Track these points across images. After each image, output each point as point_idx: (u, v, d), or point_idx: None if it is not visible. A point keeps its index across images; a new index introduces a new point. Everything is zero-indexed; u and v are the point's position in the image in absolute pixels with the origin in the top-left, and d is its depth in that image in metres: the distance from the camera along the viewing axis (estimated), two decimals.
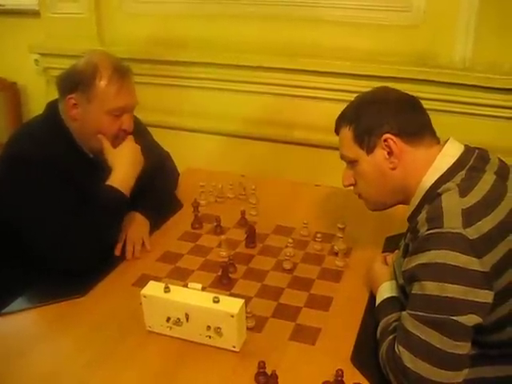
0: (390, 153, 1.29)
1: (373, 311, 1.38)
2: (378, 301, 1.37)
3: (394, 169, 1.30)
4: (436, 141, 1.32)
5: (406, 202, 1.35)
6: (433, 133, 1.33)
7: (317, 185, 2.11)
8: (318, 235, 1.66)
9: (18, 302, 1.46)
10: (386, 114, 1.29)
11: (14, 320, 1.41)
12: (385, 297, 1.35)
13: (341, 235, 1.62)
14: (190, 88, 2.94)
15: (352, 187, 1.44)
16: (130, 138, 1.69)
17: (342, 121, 1.38)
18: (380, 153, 1.30)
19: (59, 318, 1.40)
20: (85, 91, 1.59)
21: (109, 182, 1.61)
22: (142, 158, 1.69)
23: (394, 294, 1.35)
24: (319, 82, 2.62)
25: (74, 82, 1.60)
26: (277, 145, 2.81)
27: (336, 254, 1.61)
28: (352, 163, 1.38)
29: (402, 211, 1.67)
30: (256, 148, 2.84)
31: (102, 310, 1.43)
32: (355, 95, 1.42)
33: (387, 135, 1.28)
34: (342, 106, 2.46)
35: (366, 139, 1.31)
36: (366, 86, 1.40)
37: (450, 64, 2.37)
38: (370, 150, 1.32)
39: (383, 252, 1.58)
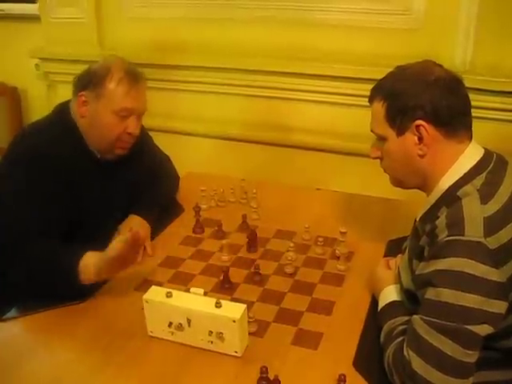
0: (421, 139, 1.24)
1: (375, 315, 1.37)
2: (381, 304, 1.37)
3: (422, 156, 1.25)
4: (468, 135, 1.26)
5: (424, 189, 1.32)
6: (467, 125, 1.26)
7: (318, 188, 2.11)
8: (320, 239, 1.66)
9: (18, 307, 1.46)
10: (422, 97, 1.22)
11: (14, 326, 1.41)
12: (388, 301, 1.35)
13: (342, 239, 1.62)
14: (190, 92, 2.95)
15: (379, 160, 1.38)
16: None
17: (376, 93, 1.31)
18: (410, 137, 1.25)
19: (60, 323, 1.40)
20: (95, 89, 1.61)
21: (83, 259, 1.45)
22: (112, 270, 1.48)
23: (397, 298, 1.34)
24: (319, 86, 2.62)
25: (87, 80, 1.63)
26: (277, 148, 2.80)
27: (338, 257, 1.61)
28: (381, 139, 1.33)
29: (404, 214, 1.68)
30: (256, 152, 2.84)
31: (104, 315, 1.43)
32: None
33: (420, 121, 1.22)
34: (342, 110, 2.46)
35: (397, 120, 1.25)
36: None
37: (451, 67, 2.31)
38: (400, 132, 1.26)
39: (385, 256, 1.58)
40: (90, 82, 1.62)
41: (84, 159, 1.66)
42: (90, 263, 1.43)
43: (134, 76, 1.65)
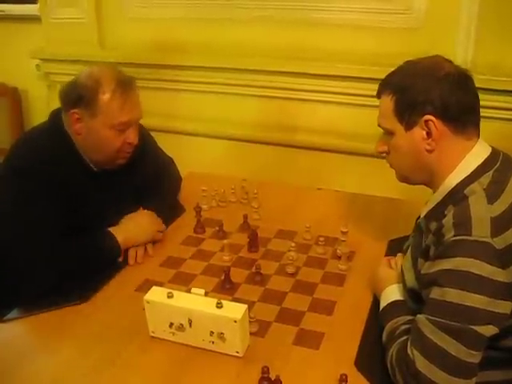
0: (429, 134, 1.23)
1: (377, 315, 1.37)
2: (382, 304, 1.36)
3: (430, 151, 1.24)
4: (476, 133, 1.25)
5: (430, 185, 1.32)
6: (476, 122, 1.26)
7: (319, 188, 2.11)
8: (321, 239, 1.65)
9: (20, 308, 1.45)
10: (432, 92, 1.21)
11: (15, 327, 1.41)
12: (390, 300, 1.34)
13: (343, 239, 1.61)
14: (191, 92, 2.95)
15: (385, 155, 1.37)
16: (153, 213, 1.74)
17: (385, 87, 1.30)
18: (418, 132, 1.24)
19: (61, 324, 1.40)
20: (88, 106, 1.57)
21: (112, 231, 1.63)
22: (153, 234, 1.71)
23: (399, 298, 1.34)
24: (320, 85, 2.61)
25: (77, 97, 1.57)
26: (279, 148, 2.80)
27: (339, 257, 1.60)
28: (388, 134, 1.32)
29: (405, 214, 1.68)
30: (258, 152, 2.84)
31: (105, 315, 1.43)
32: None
33: (429, 116, 1.21)
34: (343, 109, 2.45)
35: (406, 115, 1.25)
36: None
37: None
38: (408, 127, 1.25)
39: (386, 255, 1.58)
40: (80, 98, 1.56)
41: (81, 173, 1.64)
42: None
43: (125, 85, 1.60)
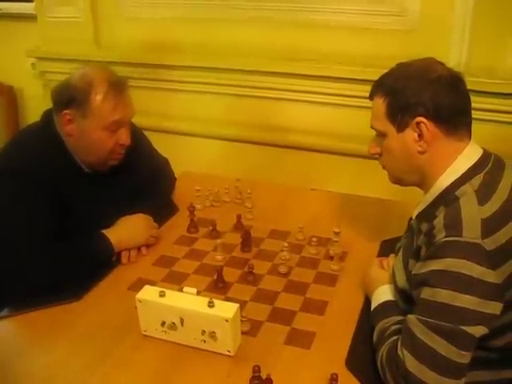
0: (421, 136, 1.24)
1: (368, 315, 1.37)
2: (374, 304, 1.37)
3: (422, 153, 1.25)
4: (468, 134, 1.26)
5: (421, 186, 1.33)
6: (467, 124, 1.27)
7: (312, 189, 2.11)
8: (314, 239, 1.66)
9: (11, 306, 1.45)
10: (424, 94, 1.22)
11: (6, 325, 1.41)
12: (381, 300, 1.35)
13: (336, 239, 1.62)
14: (185, 92, 2.95)
15: (377, 156, 1.38)
16: (149, 218, 1.73)
17: (378, 89, 1.31)
18: (410, 134, 1.25)
19: (54, 322, 1.40)
20: (80, 107, 1.57)
21: (106, 233, 1.62)
22: (147, 238, 1.69)
23: (391, 298, 1.35)
24: (315, 87, 2.62)
25: (69, 98, 1.57)
26: (272, 149, 2.80)
27: (331, 257, 1.61)
28: (381, 135, 1.32)
29: (398, 215, 1.68)
30: (252, 152, 2.84)
31: (97, 314, 1.43)
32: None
33: (421, 118, 1.22)
34: (337, 110, 2.46)
35: (398, 117, 1.26)
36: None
37: None
38: (400, 129, 1.26)
39: (378, 256, 1.58)
40: (72, 99, 1.57)
41: (72, 174, 1.64)
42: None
43: (117, 86, 1.60)
